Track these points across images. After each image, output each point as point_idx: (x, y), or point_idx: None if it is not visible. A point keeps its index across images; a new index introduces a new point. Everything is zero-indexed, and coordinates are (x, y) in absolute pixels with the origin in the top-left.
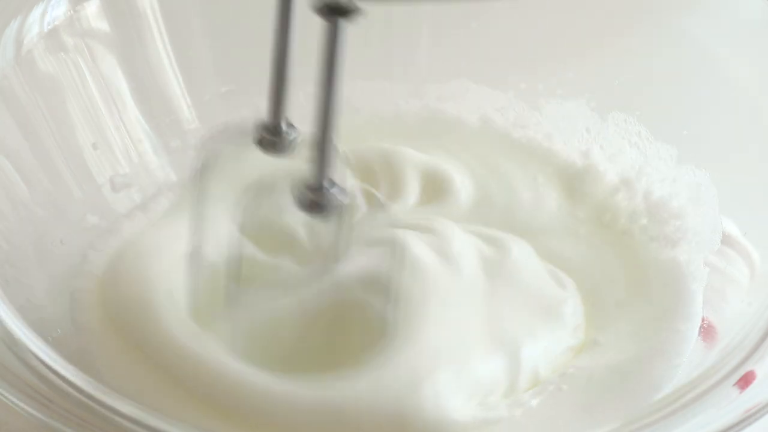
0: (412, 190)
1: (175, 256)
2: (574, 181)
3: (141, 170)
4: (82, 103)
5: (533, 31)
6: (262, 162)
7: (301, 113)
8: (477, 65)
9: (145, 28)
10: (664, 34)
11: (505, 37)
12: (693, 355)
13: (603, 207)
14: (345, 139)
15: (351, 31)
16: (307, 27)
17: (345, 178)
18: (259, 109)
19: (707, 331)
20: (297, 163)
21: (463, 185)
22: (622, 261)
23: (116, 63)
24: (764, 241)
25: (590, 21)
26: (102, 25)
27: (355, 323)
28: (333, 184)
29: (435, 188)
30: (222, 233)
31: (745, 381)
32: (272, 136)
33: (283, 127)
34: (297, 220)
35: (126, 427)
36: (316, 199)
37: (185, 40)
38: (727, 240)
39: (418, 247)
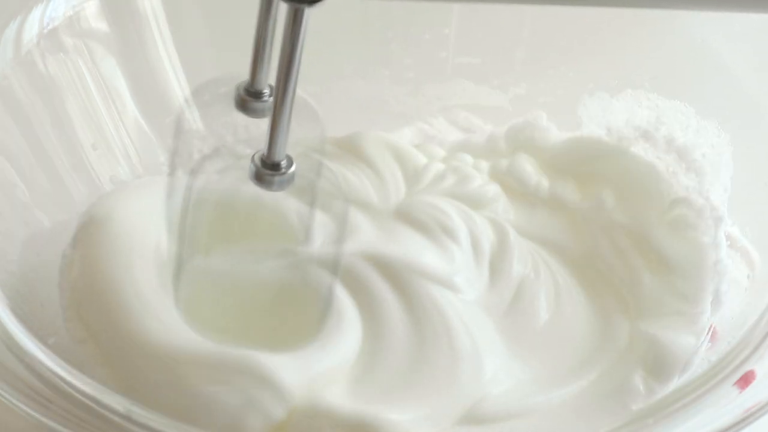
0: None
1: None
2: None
3: (141, 170)
4: (82, 103)
5: (533, 30)
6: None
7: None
8: (477, 65)
9: (144, 28)
10: (663, 35)
11: (505, 37)
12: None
13: None
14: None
15: (351, 31)
16: None
17: (309, 160)
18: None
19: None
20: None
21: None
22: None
23: (116, 63)
24: (764, 241)
25: (590, 22)
26: (101, 25)
27: (299, 306)
28: (290, 162)
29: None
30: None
31: (745, 381)
32: (253, 99)
33: (266, 91)
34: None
35: (125, 427)
36: (270, 176)
37: (185, 40)
38: (727, 240)
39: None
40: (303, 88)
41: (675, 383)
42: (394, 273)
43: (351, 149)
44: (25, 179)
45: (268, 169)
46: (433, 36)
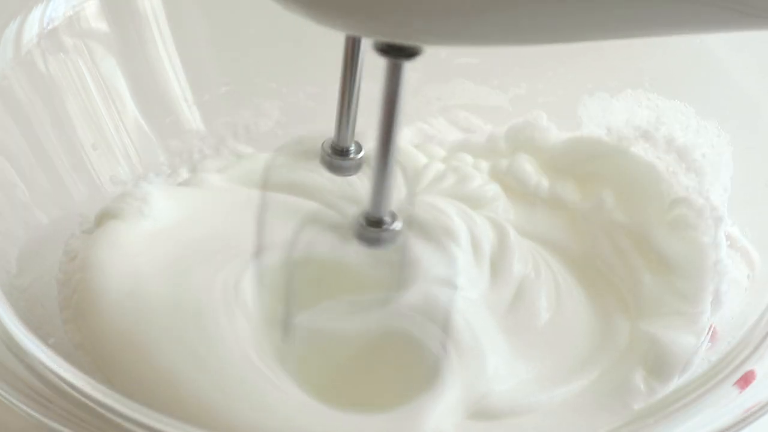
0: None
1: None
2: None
3: (141, 170)
4: (82, 103)
5: None
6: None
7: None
8: (477, 65)
9: (144, 28)
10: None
11: None
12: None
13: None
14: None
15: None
16: None
17: (405, 210)
18: (259, 108)
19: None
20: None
21: None
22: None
23: (116, 63)
24: (764, 241)
25: None
26: (101, 25)
27: (407, 357)
28: (394, 217)
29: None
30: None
31: (745, 381)
32: (339, 158)
33: (352, 148)
34: (356, 249)
35: (125, 428)
36: (375, 233)
37: (185, 40)
38: (727, 240)
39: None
40: (303, 89)
41: (675, 383)
42: None
43: None
44: (25, 179)
45: (372, 227)
46: None
